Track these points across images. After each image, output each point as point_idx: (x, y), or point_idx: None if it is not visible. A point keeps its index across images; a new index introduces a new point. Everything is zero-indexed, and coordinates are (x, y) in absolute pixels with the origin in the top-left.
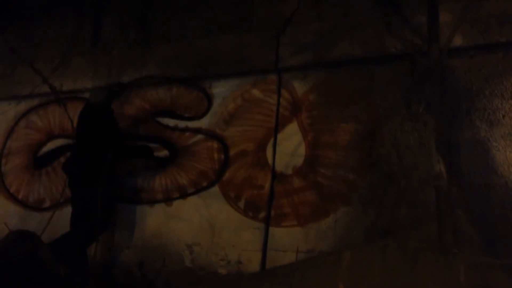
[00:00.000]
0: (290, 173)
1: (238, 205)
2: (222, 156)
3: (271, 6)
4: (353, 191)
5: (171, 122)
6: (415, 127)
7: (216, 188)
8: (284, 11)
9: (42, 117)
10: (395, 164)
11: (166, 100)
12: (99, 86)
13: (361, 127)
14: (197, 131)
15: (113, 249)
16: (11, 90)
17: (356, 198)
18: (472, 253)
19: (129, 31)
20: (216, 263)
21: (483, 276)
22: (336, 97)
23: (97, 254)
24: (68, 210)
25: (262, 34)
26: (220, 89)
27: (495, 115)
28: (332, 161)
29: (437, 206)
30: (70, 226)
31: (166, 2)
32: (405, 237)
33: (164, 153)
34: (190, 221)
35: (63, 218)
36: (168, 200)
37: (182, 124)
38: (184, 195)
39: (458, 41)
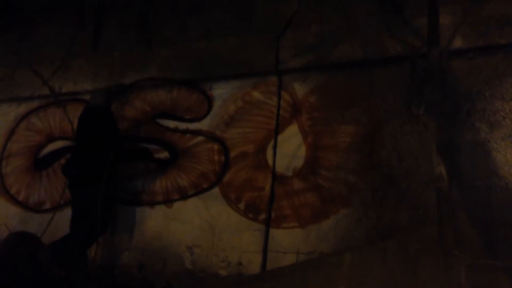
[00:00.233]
0: (290, 175)
1: (238, 206)
2: (223, 158)
3: (271, 8)
4: (354, 193)
5: (171, 124)
6: (415, 129)
7: (216, 190)
8: (285, 13)
9: (42, 119)
10: (396, 166)
11: (166, 102)
12: (100, 88)
13: (361, 129)
14: (197, 133)
15: (113, 251)
16: (12, 92)
17: (356, 200)
18: (473, 255)
19: (130, 33)
20: (216, 264)
21: (483, 277)
22: (337, 99)
23: (98, 256)
24: (68, 212)
25: (263, 36)
26: (221, 91)
27: (496, 117)
28: (333, 163)
29: (437, 208)
30: (70, 228)
31: (167, 4)
32: (406, 239)
33: (164, 154)
34: (191, 223)
35: (63, 219)
36: (168, 202)
37: (182, 126)
38: (184, 196)
39: (458, 43)
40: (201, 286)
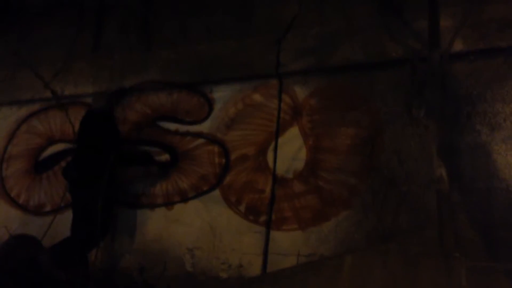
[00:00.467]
0: (291, 177)
1: (239, 209)
2: (223, 160)
3: (272, 11)
4: (354, 196)
5: (172, 126)
6: (416, 131)
7: (217, 192)
8: (285, 15)
9: (43, 122)
10: (396, 169)
11: (167, 104)
12: (101, 92)
13: (362, 132)
14: (198, 135)
15: (113, 254)
16: (13, 94)
17: (357, 203)
18: (473, 257)
19: (130, 35)
20: (217, 267)
21: (484, 280)
22: (337, 101)
23: (98, 259)
24: (69, 215)
25: (264, 38)
26: (221, 94)
27: (496, 119)
28: (333, 165)
29: (438, 211)
30: (71, 231)
31: (167, 7)
32: (406, 241)
33: (165, 157)
34: (191, 225)
35: (64, 222)
36: (169, 204)
37: (183, 128)
38: (185, 199)
39: (459, 46)
40: None
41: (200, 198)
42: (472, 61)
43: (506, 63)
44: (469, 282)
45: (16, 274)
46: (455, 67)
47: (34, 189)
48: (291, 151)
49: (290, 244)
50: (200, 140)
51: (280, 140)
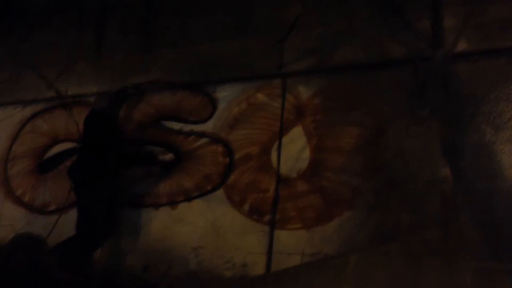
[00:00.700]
0: (294, 176)
1: (243, 208)
2: (227, 160)
3: (275, 11)
4: (358, 196)
5: (176, 126)
6: (419, 131)
7: (221, 192)
8: (287, 16)
9: (47, 122)
10: (400, 169)
11: (171, 104)
12: (104, 92)
13: (365, 132)
14: (201, 135)
15: (117, 253)
16: (17, 94)
17: (360, 202)
18: (477, 257)
19: (132, 36)
20: (221, 266)
21: (488, 280)
22: (341, 101)
23: (102, 258)
24: (73, 214)
25: (267, 38)
26: (225, 93)
27: (501, 119)
28: (337, 165)
29: (441, 211)
30: (76, 230)
31: (168, 7)
32: (410, 241)
33: (169, 156)
34: (195, 224)
35: (68, 221)
36: (173, 203)
37: (187, 128)
38: (189, 198)
39: (462, 46)
40: (205, 287)
41: (204, 198)
42: (475, 61)
43: (510, 63)
44: (473, 282)
45: (20, 273)
46: (458, 67)
47: (39, 189)
48: (294, 150)
49: (294, 244)
50: (204, 140)
51: (283, 139)
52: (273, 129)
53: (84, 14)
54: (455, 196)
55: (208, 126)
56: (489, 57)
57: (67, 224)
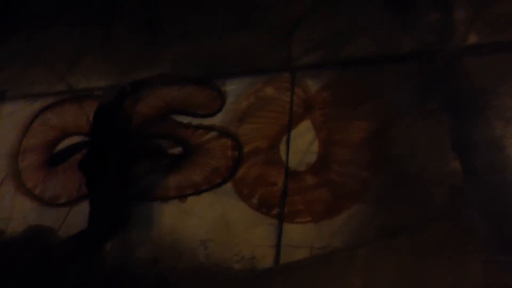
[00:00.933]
0: (303, 170)
1: (251, 201)
2: (236, 153)
3: (284, 4)
4: (366, 189)
5: (185, 119)
6: (428, 124)
7: (229, 185)
8: (297, 8)
9: (57, 115)
10: (409, 162)
11: (179, 98)
12: (112, 85)
13: (374, 125)
14: (210, 128)
15: (127, 246)
16: (27, 88)
17: (369, 196)
18: (487, 251)
19: (140, 30)
20: (230, 258)
21: (498, 273)
22: (350, 95)
23: (112, 251)
24: (84, 206)
25: (276, 31)
26: (233, 87)
27: (511, 113)
28: (346, 158)
29: (451, 204)
30: (88, 223)
31: (178, 1)
32: (419, 235)
33: (178, 150)
34: (204, 217)
35: (79, 214)
36: (182, 196)
37: (195, 121)
38: (198, 191)
39: (472, 39)
40: (214, 280)
41: (213, 191)
42: (485, 54)
43: None
44: (483, 275)
45: (32, 265)
46: (467, 60)
47: (50, 181)
48: (303, 144)
49: (303, 237)
50: (213, 133)
51: (292, 133)
52: (281, 122)
53: (94, 8)
54: (465, 190)
55: (217, 120)
56: (500, 50)
57: (77, 216)
